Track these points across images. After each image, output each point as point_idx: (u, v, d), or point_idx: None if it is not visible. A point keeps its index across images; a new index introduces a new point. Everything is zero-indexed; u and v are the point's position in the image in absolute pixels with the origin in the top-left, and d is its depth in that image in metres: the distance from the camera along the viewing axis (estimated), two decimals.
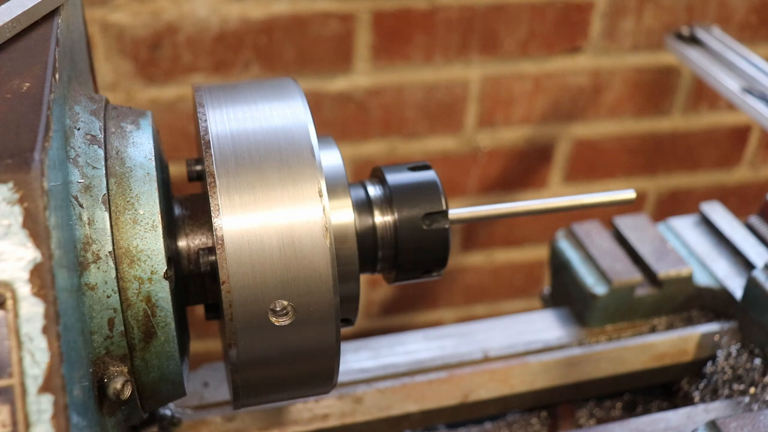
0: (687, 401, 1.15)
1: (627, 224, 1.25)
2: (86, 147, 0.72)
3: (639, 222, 1.26)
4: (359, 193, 0.85)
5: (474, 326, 1.18)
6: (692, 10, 1.84)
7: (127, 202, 0.72)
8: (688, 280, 1.18)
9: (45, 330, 0.57)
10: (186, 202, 0.83)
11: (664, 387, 1.20)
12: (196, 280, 0.81)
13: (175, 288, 0.75)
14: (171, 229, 0.78)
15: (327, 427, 1.03)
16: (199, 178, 0.86)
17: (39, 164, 0.58)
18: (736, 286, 1.17)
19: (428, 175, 0.86)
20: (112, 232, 0.70)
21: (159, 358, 0.74)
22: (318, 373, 0.80)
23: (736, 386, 1.10)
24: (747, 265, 1.21)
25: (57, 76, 0.68)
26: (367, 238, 0.83)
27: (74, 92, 0.76)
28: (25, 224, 0.57)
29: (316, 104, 1.74)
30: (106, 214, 0.70)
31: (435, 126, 1.85)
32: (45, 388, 0.56)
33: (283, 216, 0.72)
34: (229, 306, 0.71)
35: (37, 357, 0.56)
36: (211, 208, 0.71)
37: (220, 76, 1.67)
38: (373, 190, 0.85)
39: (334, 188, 0.81)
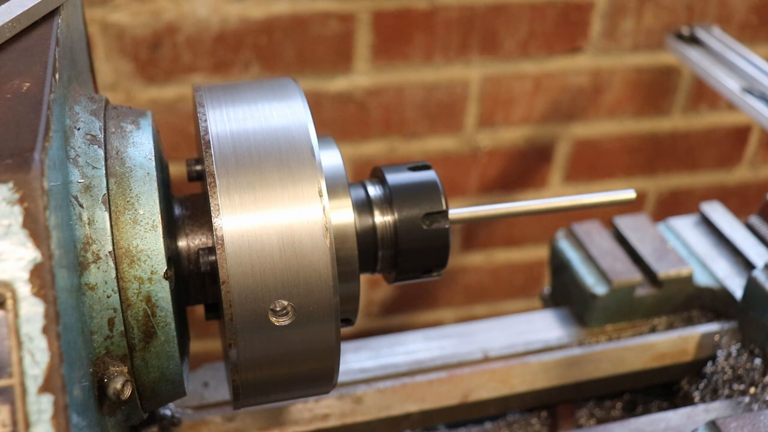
0: (687, 401, 1.15)
1: (627, 224, 1.25)
2: (86, 147, 0.72)
3: (639, 222, 1.26)
4: (359, 193, 0.85)
5: (474, 326, 1.18)
6: (692, 10, 1.84)
7: (127, 202, 0.72)
8: (688, 280, 1.18)
9: (45, 330, 0.57)
10: (186, 202, 0.83)
11: (664, 387, 1.20)
12: (196, 280, 0.81)
13: (175, 288, 0.75)
14: (171, 229, 0.78)
15: (327, 427, 1.03)
16: (199, 178, 0.86)
17: (39, 164, 0.58)
18: (736, 286, 1.17)
19: (428, 175, 0.86)
20: (112, 232, 0.70)
21: (159, 358, 0.74)
22: (318, 373, 0.80)
23: (736, 386, 1.10)
24: (747, 265, 1.21)
25: (57, 76, 0.68)
26: (367, 238, 0.83)
27: (74, 92, 0.76)
28: (25, 224, 0.57)
29: (316, 104, 1.74)
30: (106, 214, 0.70)
31: (435, 126, 1.85)
32: (45, 388, 0.56)
33: (283, 216, 0.72)
34: (229, 306, 0.71)
35: (37, 357, 0.56)
36: (211, 208, 0.71)
37: (220, 76, 1.67)
38: (373, 190, 0.85)
39: (334, 188, 0.81)
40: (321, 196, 0.73)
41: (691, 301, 1.20)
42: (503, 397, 1.09)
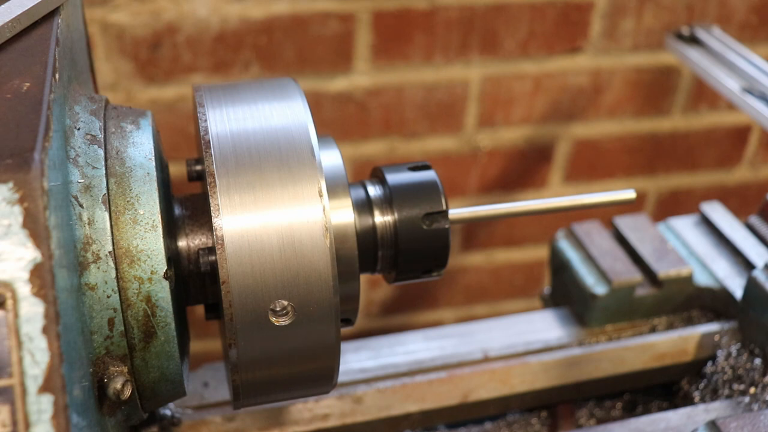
0: (687, 401, 1.15)
1: (627, 224, 1.25)
2: (86, 147, 0.72)
3: (639, 222, 1.26)
4: (359, 193, 0.85)
5: (474, 326, 1.18)
6: (692, 10, 1.84)
7: (127, 202, 0.72)
8: (688, 280, 1.18)
9: (45, 330, 0.57)
10: (186, 202, 0.83)
11: (664, 387, 1.20)
12: (196, 280, 0.81)
13: (175, 288, 0.75)
14: (171, 229, 0.78)
15: (327, 427, 1.03)
16: (199, 178, 0.86)
17: (39, 164, 0.58)
18: (736, 286, 1.17)
19: (428, 175, 0.86)
20: (112, 232, 0.70)
21: (159, 358, 0.74)
22: (318, 373, 0.80)
23: (736, 386, 1.10)
24: (747, 265, 1.21)
25: (57, 76, 0.68)
26: (367, 238, 0.83)
27: (74, 92, 0.76)
28: (25, 224, 0.57)
29: (316, 104, 1.74)
30: (106, 214, 0.70)
31: (435, 126, 1.85)
32: (45, 388, 0.56)
33: (283, 216, 0.72)
34: (229, 306, 0.71)
35: (37, 357, 0.56)
36: (211, 208, 0.71)
37: (220, 76, 1.67)
38: (373, 190, 0.85)
39: (334, 188, 0.81)
40: (321, 196, 0.73)
41: (691, 301, 1.20)
42: (503, 397, 1.09)
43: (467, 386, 1.08)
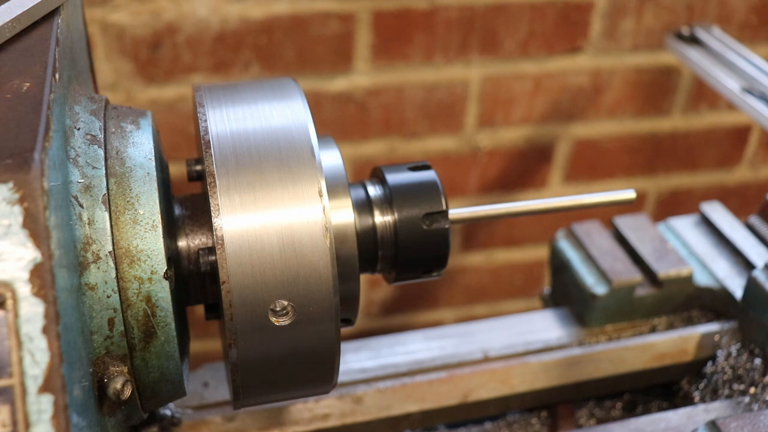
0: (687, 401, 1.15)
1: (627, 224, 1.25)
2: (86, 147, 0.72)
3: (639, 222, 1.26)
4: (359, 193, 0.85)
5: (474, 326, 1.18)
6: (692, 10, 1.84)
7: (127, 202, 0.72)
8: (688, 280, 1.18)
9: (45, 330, 0.57)
10: (186, 202, 0.83)
11: (664, 387, 1.20)
12: (196, 280, 0.81)
13: (175, 288, 0.75)
14: (171, 229, 0.78)
15: (327, 427, 1.03)
16: (199, 178, 0.86)
17: (39, 164, 0.58)
18: (736, 286, 1.17)
19: (428, 175, 0.86)
20: (112, 232, 0.70)
21: (159, 358, 0.74)
22: (318, 373, 0.80)
23: (736, 386, 1.10)
24: (747, 265, 1.21)
25: (57, 76, 0.68)
26: (367, 238, 0.83)
27: (74, 92, 0.76)
28: (25, 224, 0.57)
29: (316, 104, 1.74)
30: (106, 214, 0.70)
31: (435, 126, 1.85)
32: (45, 388, 0.56)
33: (283, 216, 0.72)
34: (229, 306, 0.71)
35: (37, 357, 0.56)
36: (211, 208, 0.71)
37: (220, 76, 1.67)
38: (373, 190, 0.85)
39: (334, 188, 0.81)
40: (321, 196, 0.73)
41: (691, 301, 1.20)
42: (503, 397, 1.09)
43: (467, 386, 1.08)
